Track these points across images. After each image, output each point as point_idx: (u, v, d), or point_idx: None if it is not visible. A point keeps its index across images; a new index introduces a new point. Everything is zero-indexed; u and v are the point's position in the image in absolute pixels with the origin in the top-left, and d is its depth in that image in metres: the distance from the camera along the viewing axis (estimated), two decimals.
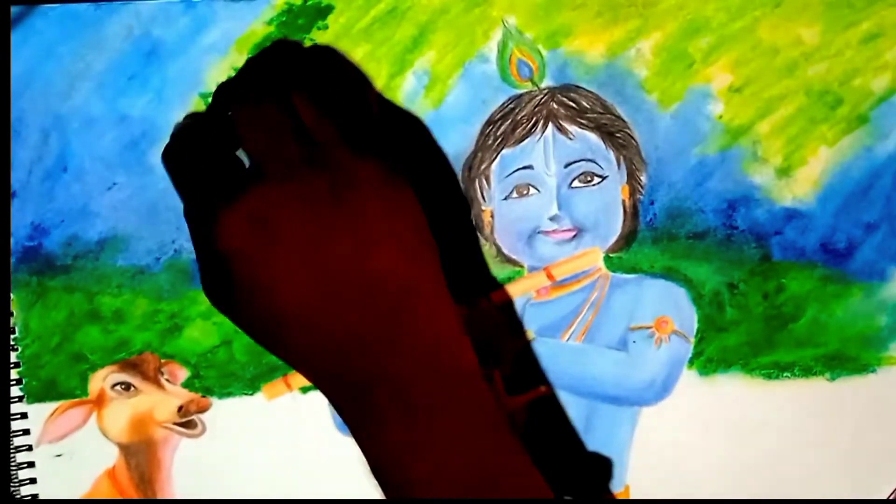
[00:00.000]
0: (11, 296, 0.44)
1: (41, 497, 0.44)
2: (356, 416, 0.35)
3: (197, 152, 0.37)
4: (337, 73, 0.42)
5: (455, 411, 0.34)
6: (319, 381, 0.36)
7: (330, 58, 0.43)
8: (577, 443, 0.45)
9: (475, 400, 0.35)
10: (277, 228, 0.34)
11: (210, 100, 0.43)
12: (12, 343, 0.44)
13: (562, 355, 0.45)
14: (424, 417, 0.34)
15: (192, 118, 0.41)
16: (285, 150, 0.35)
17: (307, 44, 0.43)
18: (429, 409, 0.34)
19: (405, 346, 0.34)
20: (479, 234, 0.44)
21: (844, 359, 0.45)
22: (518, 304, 0.45)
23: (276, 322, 0.35)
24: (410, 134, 0.44)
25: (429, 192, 0.37)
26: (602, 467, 0.45)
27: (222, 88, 0.38)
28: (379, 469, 0.35)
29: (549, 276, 0.44)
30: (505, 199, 0.44)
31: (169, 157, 0.39)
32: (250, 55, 0.43)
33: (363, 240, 0.34)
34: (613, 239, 0.44)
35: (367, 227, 0.35)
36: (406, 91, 0.43)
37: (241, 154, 0.37)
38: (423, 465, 0.34)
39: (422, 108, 0.44)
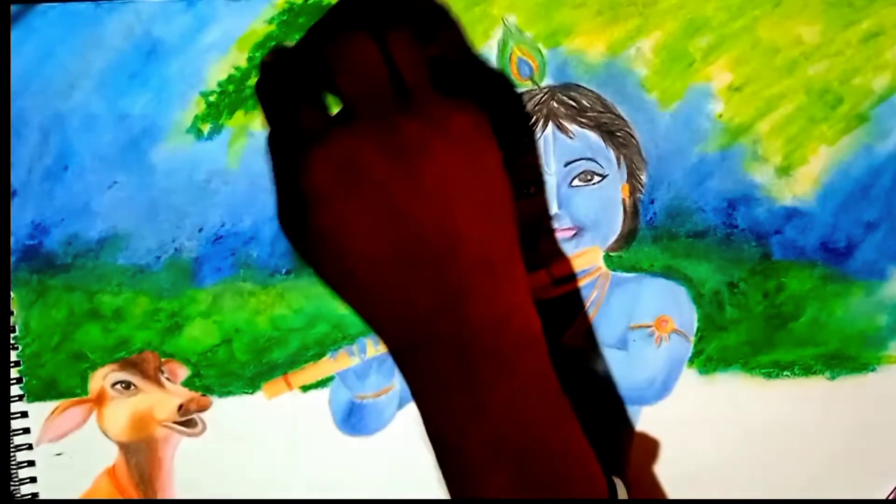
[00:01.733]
0: (12, 294, 0.44)
1: (41, 496, 0.44)
2: (418, 376, 0.35)
3: (290, 85, 0.36)
4: (433, 17, 0.41)
5: (517, 376, 0.34)
6: (384, 334, 0.36)
7: (427, 2, 0.42)
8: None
9: (537, 366, 0.35)
10: (363, 175, 0.33)
11: (209, 99, 0.43)
12: (12, 342, 0.44)
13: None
14: (487, 381, 0.34)
15: (282, 50, 0.39)
16: (379, 93, 0.34)
17: None
18: (493, 372, 0.34)
19: (477, 309, 0.34)
20: None
21: (844, 358, 0.45)
22: None
23: (349, 270, 0.34)
24: (496, 87, 0.43)
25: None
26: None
27: (317, 27, 0.37)
28: (436, 431, 0.35)
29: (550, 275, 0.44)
30: None
31: (263, 85, 0.38)
32: (251, 54, 0.43)
33: (447, 197, 0.34)
34: (613, 238, 0.44)
35: (453, 183, 0.34)
36: None
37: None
38: (482, 429, 0.34)
39: None
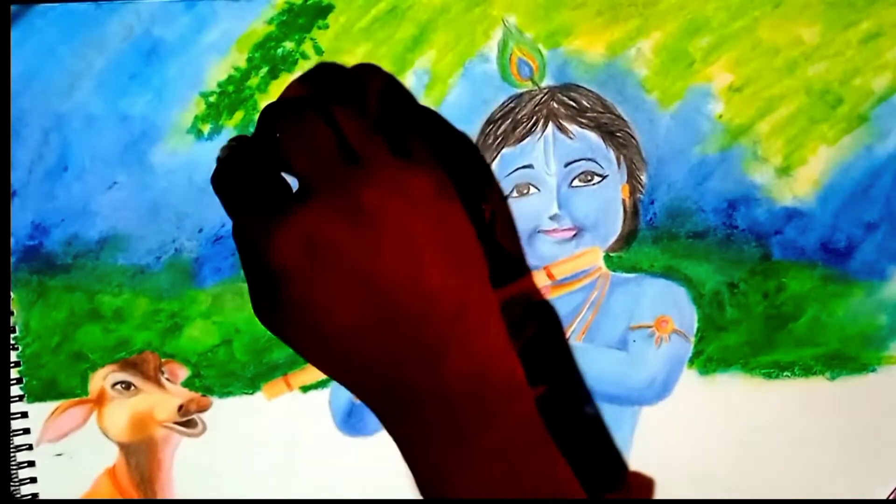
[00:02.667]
0: (12, 295, 0.44)
1: (41, 497, 0.44)
2: (404, 433, 0.35)
3: (246, 173, 0.37)
4: (379, 87, 0.42)
5: (503, 426, 0.34)
6: (368, 398, 0.36)
7: (371, 73, 0.43)
8: (580, 442, 0.45)
9: (522, 414, 0.35)
10: (328, 248, 0.34)
11: (209, 99, 0.43)
12: (13, 342, 0.44)
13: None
14: (474, 433, 0.34)
15: (239, 140, 0.41)
16: (332, 166, 0.35)
17: (308, 43, 0.43)
18: (478, 424, 0.34)
19: (457, 363, 0.34)
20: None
21: (844, 358, 0.45)
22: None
23: (327, 341, 0.35)
24: (457, 150, 0.44)
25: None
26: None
27: (268, 110, 0.38)
28: (425, 483, 0.35)
29: (549, 276, 0.44)
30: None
31: (218, 178, 0.39)
32: (250, 55, 0.43)
33: (413, 256, 0.34)
34: (613, 238, 0.44)
35: (417, 243, 0.34)
36: None
37: (287, 177, 0.37)
38: (471, 480, 0.34)
39: None
